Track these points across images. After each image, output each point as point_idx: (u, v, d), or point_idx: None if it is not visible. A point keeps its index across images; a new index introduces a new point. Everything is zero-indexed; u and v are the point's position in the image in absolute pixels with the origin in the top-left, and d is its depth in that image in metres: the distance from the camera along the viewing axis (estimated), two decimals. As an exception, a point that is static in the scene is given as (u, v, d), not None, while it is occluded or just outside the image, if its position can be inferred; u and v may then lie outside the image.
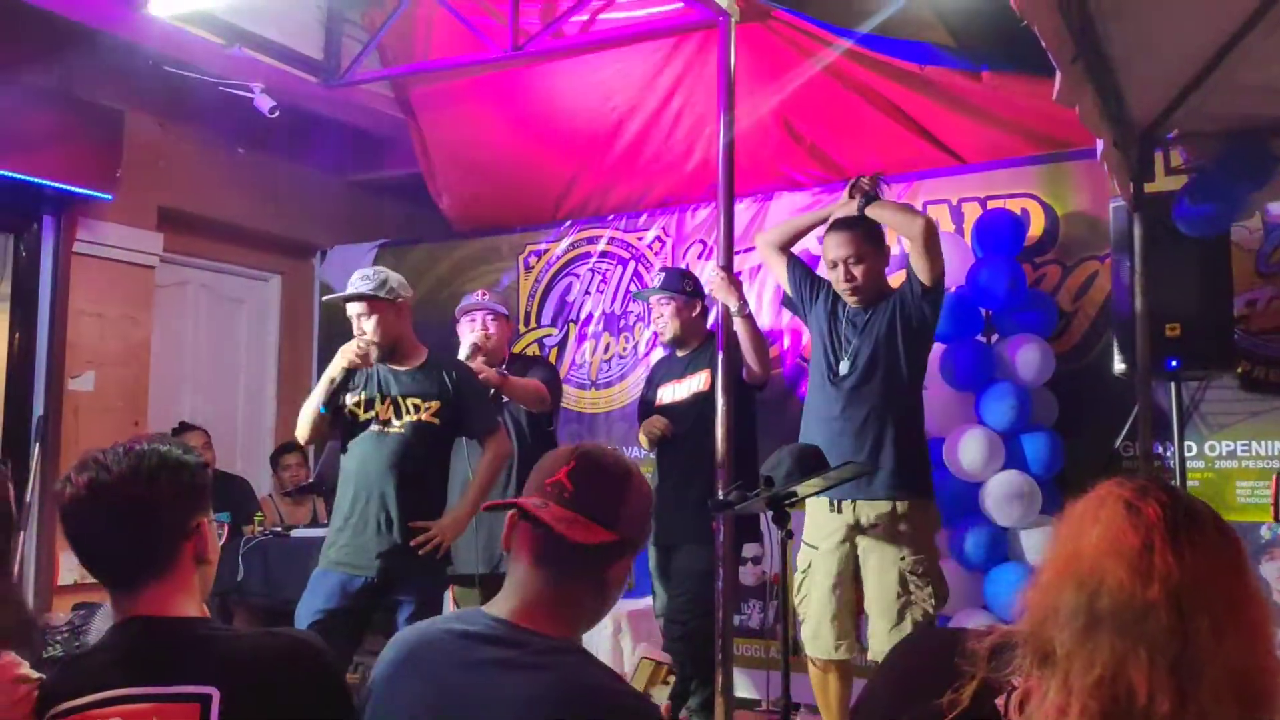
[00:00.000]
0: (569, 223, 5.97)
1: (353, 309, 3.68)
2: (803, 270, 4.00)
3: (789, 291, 4.06)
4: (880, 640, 3.57)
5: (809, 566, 3.70)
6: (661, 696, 1.67)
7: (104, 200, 5.35)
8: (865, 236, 3.75)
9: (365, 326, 3.66)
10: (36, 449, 5.23)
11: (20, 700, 1.52)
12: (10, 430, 5.27)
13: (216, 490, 1.68)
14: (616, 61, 5.23)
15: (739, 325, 4.04)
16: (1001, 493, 4.17)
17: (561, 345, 5.86)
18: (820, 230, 3.95)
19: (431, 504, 3.67)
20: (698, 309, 4.44)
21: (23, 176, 4.97)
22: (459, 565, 4.04)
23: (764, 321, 4.99)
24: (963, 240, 4.68)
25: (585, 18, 5.03)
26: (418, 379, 3.70)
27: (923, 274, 3.64)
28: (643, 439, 4.37)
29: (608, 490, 1.53)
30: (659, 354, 4.93)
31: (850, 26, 4.68)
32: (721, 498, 3.66)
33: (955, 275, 4.41)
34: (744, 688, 4.69)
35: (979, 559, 4.24)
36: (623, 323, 5.71)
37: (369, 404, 3.65)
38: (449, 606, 4.28)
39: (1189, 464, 4.22)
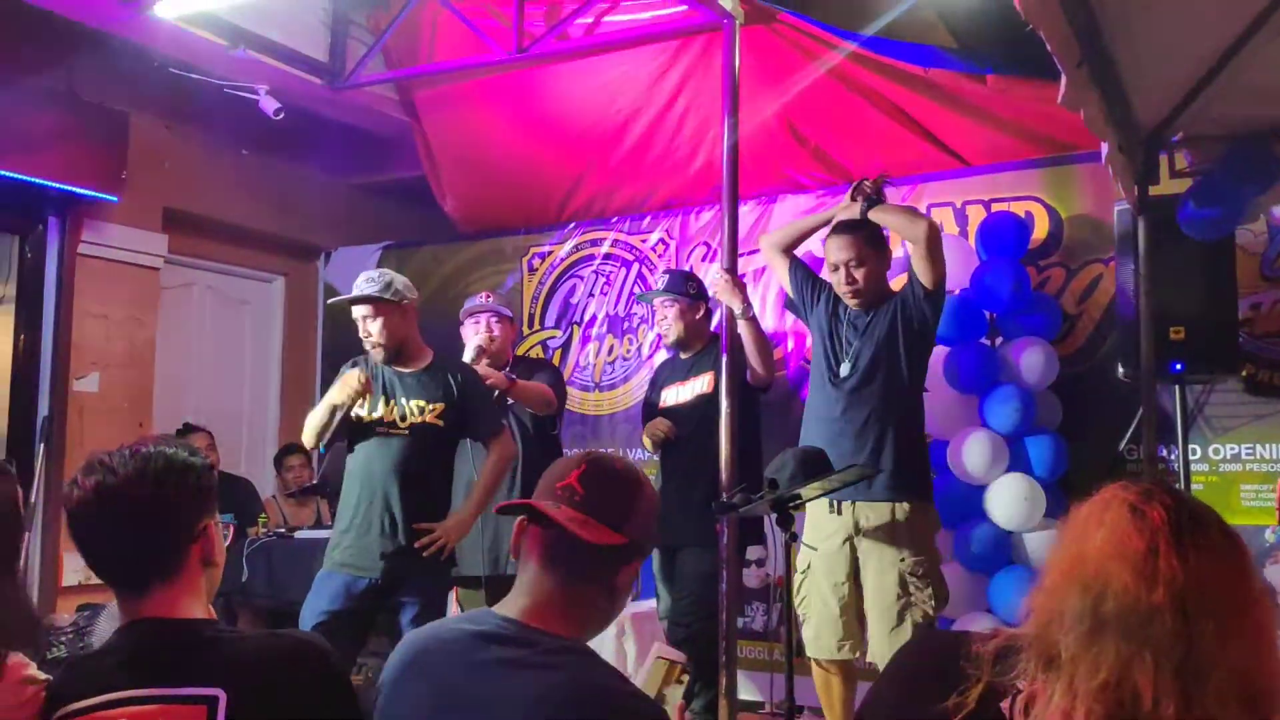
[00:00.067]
0: (573, 225, 5.97)
1: (358, 311, 3.68)
2: (804, 272, 4.01)
3: (791, 293, 4.07)
4: (879, 642, 3.57)
5: (808, 567, 3.70)
6: (675, 696, 1.66)
7: (109, 202, 5.36)
8: (867, 240, 3.76)
9: (371, 329, 3.66)
10: (41, 450, 5.23)
11: (28, 701, 1.53)
12: (15, 431, 5.28)
13: (220, 491, 1.68)
14: (621, 64, 5.24)
15: (743, 327, 4.04)
16: (1006, 496, 4.17)
17: (565, 347, 5.86)
18: (823, 232, 3.95)
19: (436, 506, 3.67)
20: (701, 311, 4.45)
21: (28, 178, 4.97)
22: (464, 567, 4.04)
23: (768, 324, 4.99)
24: (967, 243, 4.68)
25: (590, 20, 5.05)
26: (423, 381, 3.70)
27: (924, 277, 3.65)
28: (646, 441, 4.38)
29: (618, 494, 1.55)
30: (662, 356, 4.94)
31: (854, 29, 4.68)
32: (725, 500, 3.66)
33: (959, 278, 4.41)
34: (747, 690, 4.69)
35: (982, 562, 4.24)
36: (626, 325, 5.72)
37: (374, 406, 3.66)
38: (453, 608, 4.28)
39: (1193, 467, 4.22)
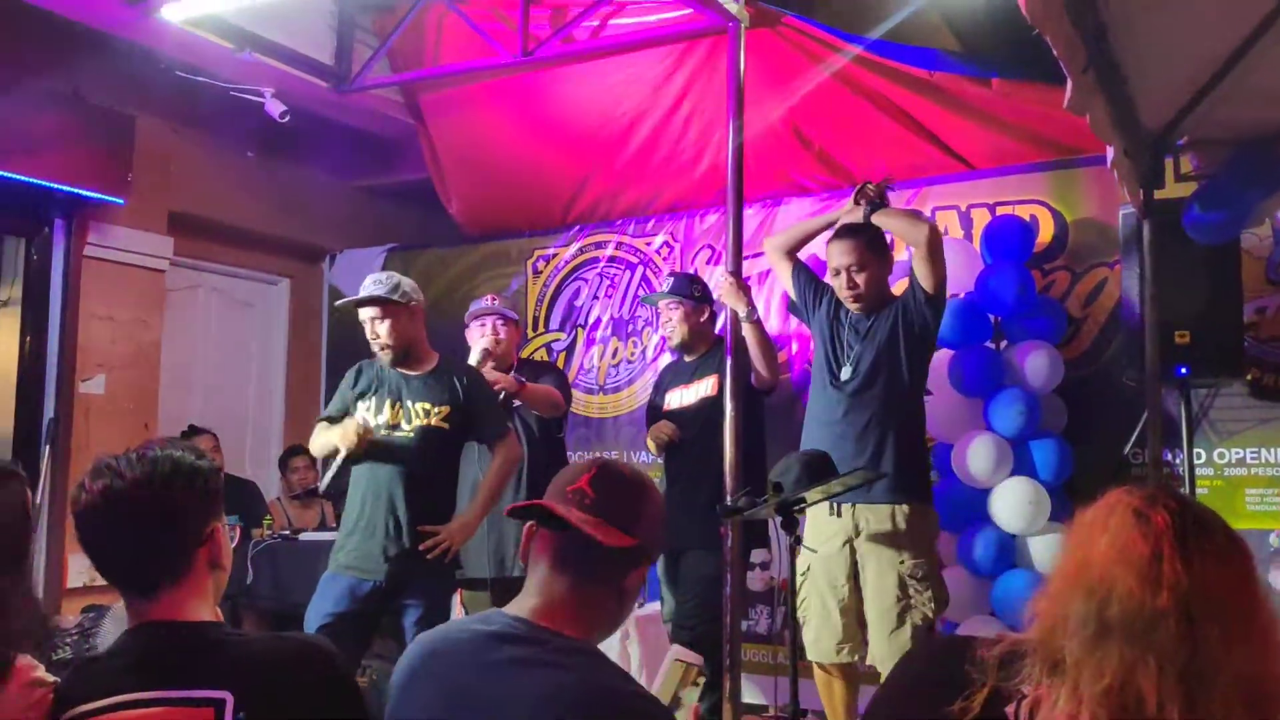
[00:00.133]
0: (578, 227, 5.97)
1: (366, 313, 3.68)
2: (807, 275, 4.01)
3: (793, 296, 4.08)
4: (879, 644, 3.57)
5: (808, 570, 3.71)
6: (692, 698, 1.67)
7: (115, 204, 5.37)
8: (869, 245, 3.76)
9: (379, 330, 3.66)
10: (47, 451, 5.25)
11: (36, 703, 1.54)
12: (21, 433, 5.29)
13: (226, 493, 1.69)
14: (626, 67, 5.24)
15: (747, 330, 4.05)
16: (1010, 499, 4.16)
17: (569, 350, 5.86)
18: (826, 235, 3.96)
19: (440, 508, 3.67)
20: (706, 314, 4.45)
21: (34, 180, 4.99)
22: (469, 569, 4.05)
23: (772, 327, 4.99)
24: (971, 246, 4.68)
25: (595, 23, 5.04)
26: (429, 384, 3.70)
27: (926, 281, 3.65)
28: (651, 444, 4.38)
29: (627, 498, 1.56)
30: (667, 359, 4.94)
31: (859, 32, 4.68)
32: (730, 503, 3.66)
33: (964, 281, 4.41)
34: (751, 694, 4.69)
35: (986, 565, 4.23)
36: (631, 327, 5.72)
37: (380, 408, 3.66)
38: (457, 610, 4.29)
39: (1198, 471, 4.21)
